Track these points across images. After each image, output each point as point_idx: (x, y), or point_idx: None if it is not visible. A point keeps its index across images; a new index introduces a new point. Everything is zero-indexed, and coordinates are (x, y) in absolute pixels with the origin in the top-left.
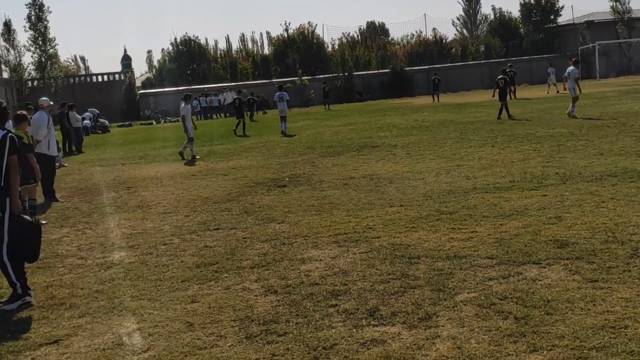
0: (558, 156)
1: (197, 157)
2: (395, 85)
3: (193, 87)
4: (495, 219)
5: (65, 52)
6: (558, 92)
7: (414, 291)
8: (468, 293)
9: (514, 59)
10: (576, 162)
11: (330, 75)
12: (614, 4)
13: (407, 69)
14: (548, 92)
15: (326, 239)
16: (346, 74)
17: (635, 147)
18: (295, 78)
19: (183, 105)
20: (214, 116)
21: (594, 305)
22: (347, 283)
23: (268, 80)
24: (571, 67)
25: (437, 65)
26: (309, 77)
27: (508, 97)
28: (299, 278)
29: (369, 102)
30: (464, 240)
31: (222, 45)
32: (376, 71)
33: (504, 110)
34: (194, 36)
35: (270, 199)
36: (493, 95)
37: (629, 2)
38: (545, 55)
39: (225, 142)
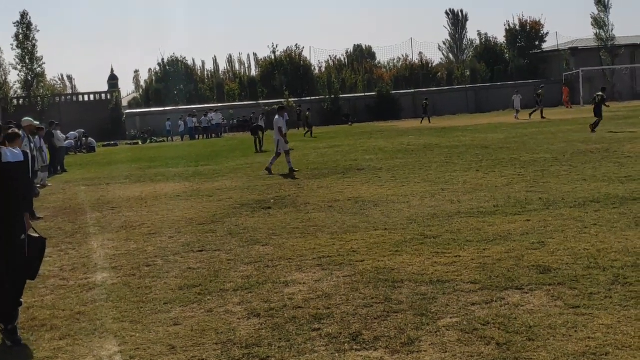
0: (542, 181)
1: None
2: (382, 109)
3: (180, 107)
4: (478, 243)
5: (52, 71)
6: (517, 118)
7: (397, 315)
8: (451, 318)
9: (499, 84)
10: (560, 188)
11: (317, 97)
12: (598, 31)
13: (393, 92)
14: (517, 118)
15: (310, 262)
16: (333, 96)
17: (618, 173)
18: (282, 100)
19: (277, 117)
20: (200, 137)
21: (576, 331)
22: (330, 307)
23: (255, 102)
24: None
25: (423, 89)
26: (296, 99)
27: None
28: (282, 301)
29: (355, 124)
30: (447, 264)
31: (209, 66)
32: (362, 94)
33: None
34: (181, 57)
35: (255, 220)
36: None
37: (612, 30)
38: (531, 81)
39: (211, 163)
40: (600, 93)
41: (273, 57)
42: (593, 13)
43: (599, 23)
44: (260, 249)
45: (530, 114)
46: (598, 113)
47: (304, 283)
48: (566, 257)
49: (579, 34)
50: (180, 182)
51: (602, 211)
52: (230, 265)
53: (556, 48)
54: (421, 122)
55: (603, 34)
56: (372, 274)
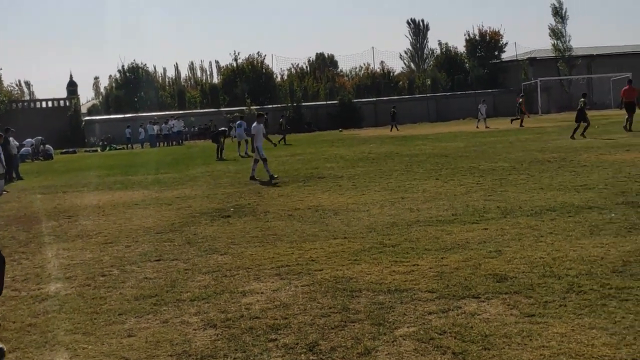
0: (500, 190)
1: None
2: (343, 117)
3: (141, 114)
4: (437, 252)
5: (9, 77)
6: (487, 127)
7: (354, 325)
8: (408, 327)
9: (459, 93)
10: (517, 196)
11: (279, 105)
12: (555, 42)
13: (355, 100)
14: (478, 127)
15: (268, 271)
16: (295, 104)
17: (574, 182)
18: (244, 107)
19: (255, 124)
20: (160, 144)
21: (531, 340)
22: (287, 317)
23: (216, 109)
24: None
25: (384, 98)
26: (258, 107)
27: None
28: (239, 311)
29: (317, 132)
30: (405, 273)
31: (170, 73)
32: (324, 102)
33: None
34: (141, 63)
35: (214, 229)
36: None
37: (569, 41)
38: (490, 90)
39: (171, 170)
40: (582, 99)
41: (235, 65)
42: (551, 24)
43: (557, 34)
44: (219, 258)
45: (512, 120)
46: (580, 118)
47: (261, 293)
48: (522, 265)
49: (537, 45)
50: (139, 190)
51: (558, 220)
52: (188, 275)
53: (515, 58)
54: (390, 130)
55: (560, 44)
56: (331, 283)
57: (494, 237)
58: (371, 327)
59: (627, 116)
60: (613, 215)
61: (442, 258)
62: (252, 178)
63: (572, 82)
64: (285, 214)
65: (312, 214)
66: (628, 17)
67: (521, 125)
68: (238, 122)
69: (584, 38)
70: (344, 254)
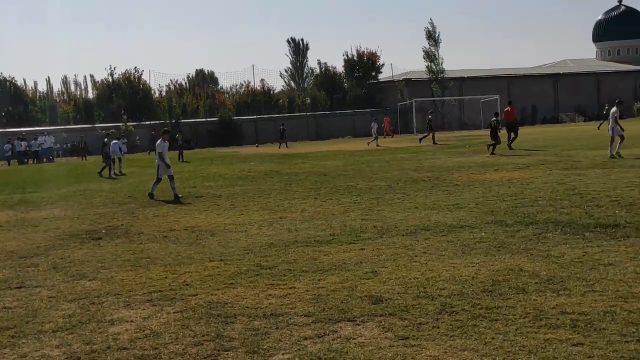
0: (377, 209)
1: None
2: (224, 134)
3: (8, 130)
4: (314, 274)
5: None
6: (379, 145)
7: (228, 354)
8: (283, 354)
9: (338, 112)
10: (393, 216)
11: (157, 122)
12: (429, 64)
13: (236, 118)
14: (369, 144)
15: (140, 297)
16: (174, 121)
17: (447, 201)
18: (121, 124)
19: (159, 142)
20: (29, 162)
21: None
22: (158, 347)
23: (91, 126)
24: (614, 109)
25: (265, 116)
26: (135, 124)
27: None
28: (106, 342)
29: (197, 150)
30: (282, 297)
31: (42, 87)
32: (204, 119)
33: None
34: (9, 76)
35: (83, 253)
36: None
37: (442, 64)
38: (368, 110)
39: (40, 189)
40: (494, 119)
41: (111, 80)
42: (425, 47)
43: (431, 57)
44: (87, 284)
45: (421, 139)
46: (494, 137)
47: (131, 321)
48: (397, 286)
49: (413, 67)
50: (3, 211)
51: (432, 239)
52: (52, 304)
53: (392, 79)
54: (279, 147)
55: (434, 67)
56: (205, 309)
57: (371, 257)
58: (245, 356)
59: (509, 135)
60: (483, 234)
61: (319, 280)
62: (176, 197)
63: (445, 103)
64: (160, 235)
65: (188, 235)
66: (495, 43)
67: (434, 143)
68: (113, 140)
69: (456, 61)
70: (219, 278)
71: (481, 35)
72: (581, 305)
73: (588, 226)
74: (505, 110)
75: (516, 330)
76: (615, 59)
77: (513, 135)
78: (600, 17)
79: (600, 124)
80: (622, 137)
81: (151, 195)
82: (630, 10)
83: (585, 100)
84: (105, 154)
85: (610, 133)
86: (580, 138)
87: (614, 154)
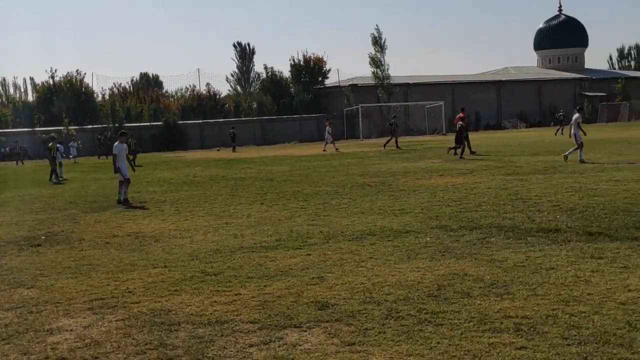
0: (323, 214)
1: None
2: (168, 139)
3: None
4: (260, 279)
5: None
6: (336, 149)
7: None
8: None
9: (285, 117)
10: (339, 221)
11: (100, 125)
12: (375, 70)
13: (181, 122)
14: (325, 150)
15: (80, 305)
16: (117, 125)
17: (393, 206)
18: (62, 127)
19: (117, 144)
20: None
21: None
22: (98, 356)
23: (30, 129)
24: (576, 114)
25: (210, 120)
26: (77, 127)
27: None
28: (44, 352)
29: (140, 155)
30: (227, 303)
31: None
32: (148, 123)
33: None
34: None
35: (21, 260)
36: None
37: (388, 69)
38: (314, 115)
39: None
40: (460, 122)
41: (52, 83)
42: (371, 53)
43: (376, 62)
44: (24, 292)
45: (385, 144)
46: (459, 140)
47: (71, 330)
48: (344, 291)
49: (359, 72)
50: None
51: (378, 244)
52: None
53: (338, 84)
54: (233, 151)
55: (380, 72)
56: (148, 317)
57: (317, 262)
58: None
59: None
60: (428, 239)
61: (265, 286)
62: (125, 201)
63: (390, 108)
64: (102, 241)
65: (131, 241)
66: (440, 50)
67: (397, 147)
68: (57, 143)
69: (401, 67)
70: (163, 284)
71: (426, 42)
72: (524, 309)
73: (530, 230)
74: (458, 116)
75: (461, 334)
76: (555, 67)
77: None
78: (541, 26)
79: (557, 130)
80: (581, 144)
81: (125, 201)
82: (569, 19)
83: (526, 106)
84: (52, 157)
85: (573, 139)
86: (522, 144)
87: (565, 155)
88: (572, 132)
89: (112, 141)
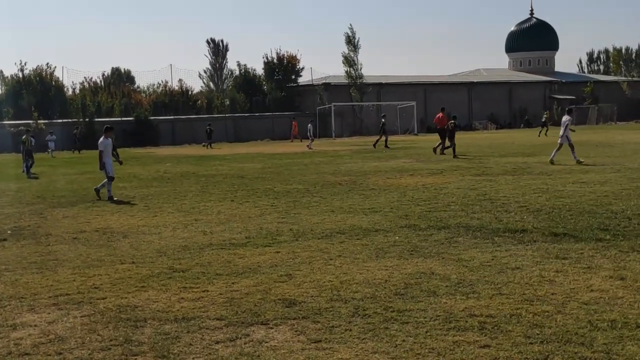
0: (293, 212)
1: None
2: (140, 134)
3: None
4: (228, 276)
5: None
6: (309, 147)
7: (136, 358)
8: (193, 358)
9: (257, 114)
10: (309, 219)
11: (70, 120)
12: (348, 69)
13: (152, 118)
14: (310, 147)
15: (45, 300)
16: (87, 119)
17: (363, 204)
18: (31, 121)
19: (102, 139)
20: None
21: None
22: (62, 352)
23: None
24: (565, 116)
25: (183, 116)
26: (47, 121)
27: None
28: (7, 348)
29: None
30: (194, 300)
31: None
32: (119, 119)
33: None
34: None
35: None
36: None
37: (361, 69)
38: (287, 113)
39: None
40: (452, 121)
41: (21, 75)
42: (344, 52)
43: (349, 62)
44: None
45: (375, 144)
46: (451, 139)
47: (35, 325)
48: (311, 289)
49: (332, 71)
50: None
51: (347, 242)
52: None
53: (311, 83)
54: (207, 147)
55: (353, 72)
56: (114, 313)
57: (286, 260)
58: None
59: (439, 142)
60: (397, 238)
61: (233, 283)
62: (110, 198)
63: (363, 108)
64: (70, 237)
65: (99, 237)
66: (413, 51)
67: (387, 147)
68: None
69: (374, 67)
70: (130, 281)
71: (400, 42)
72: (489, 308)
73: (497, 230)
74: (438, 116)
75: (426, 332)
76: (526, 69)
77: (441, 141)
78: (512, 28)
79: (540, 132)
80: (561, 146)
81: (110, 198)
82: (540, 23)
83: (497, 108)
84: (26, 150)
85: (566, 141)
86: (491, 145)
87: (552, 159)
88: (562, 133)
89: (84, 137)
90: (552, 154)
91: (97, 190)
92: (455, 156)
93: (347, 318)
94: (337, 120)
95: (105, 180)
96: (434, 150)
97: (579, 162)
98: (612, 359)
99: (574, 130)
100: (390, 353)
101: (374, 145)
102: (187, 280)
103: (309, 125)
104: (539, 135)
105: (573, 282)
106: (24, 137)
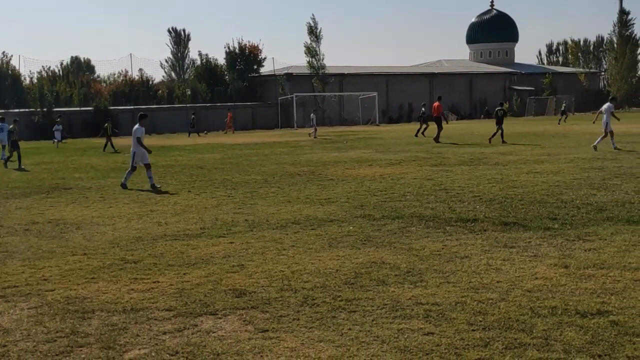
0: (250, 203)
1: (158, 186)
2: (99, 124)
3: None
4: (180, 267)
5: None
6: (311, 135)
7: (81, 350)
8: (139, 349)
9: (219, 104)
10: (265, 209)
11: (27, 110)
12: (310, 59)
13: (112, 107)
14: (310, 135)
15: None
16: (45, 109)
17: (320, 195)
18: None
19: (137, 127)
20: None
21: (261, 356)
22: (7, 344)
23: None
24: (607, 104)
25: (143, 106)
26: (3, 111)
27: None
28: None
29: (70, 140)
30: (144, 291)
31: None
32: (78, 108)
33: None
34: None
35: None
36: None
37: (323, 59)
38: (249, 103)
39: None
40: (499, 107)
41: None
42: (306, 42)
43: (312, 52)
44: None
45: (416, 134)
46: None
47: None
48: (262, 279)
49: (295, 61)
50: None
51: (301, 233)
52: None
53: (273, 73)
54: (202, 135)
55: (315, 62)
56: (62, 305)
57: (239, 251)
58: (100, 352)
59: (437, 130)
60: (351, 228)
61: (184, 274)
62: (153, 187)
63: (325, 98)
64: (21, 228)
65: (51, 228)
66: (374, 41)
67: (311, 136)
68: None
69: (336, 57)
70: (80, 272)
71: (362, 33)
72: (435, 296)
73: (449, 220)
74: (435, 104)
75: (372, 320)
76: (486, 60)
77: (438, 129)
78: (473, 20)
79: (560, 120)
80: (607, 133)
81: (123, 186)
82: (501, 14)
83: (458, 99)
84: (11, 141)
85: (605, 127)
86: (450, 136)
87: (595, 145)
88: (604, 120)
89: (45, 126)
90: (596, 141)
91: (153, 185)
92: (503, 142)
93: (296, 307)
94: (299, 111)
95: (129, 170)
96: (490, 140)
97: (616, 148)
98: (550, 344)
99: (618, 119)
100: (335, 341)
101: (416, 135)
102: (138, 271)
103: (312, 114)
104: (558, 123)
105: (519, 270)
106: (11, 126)
